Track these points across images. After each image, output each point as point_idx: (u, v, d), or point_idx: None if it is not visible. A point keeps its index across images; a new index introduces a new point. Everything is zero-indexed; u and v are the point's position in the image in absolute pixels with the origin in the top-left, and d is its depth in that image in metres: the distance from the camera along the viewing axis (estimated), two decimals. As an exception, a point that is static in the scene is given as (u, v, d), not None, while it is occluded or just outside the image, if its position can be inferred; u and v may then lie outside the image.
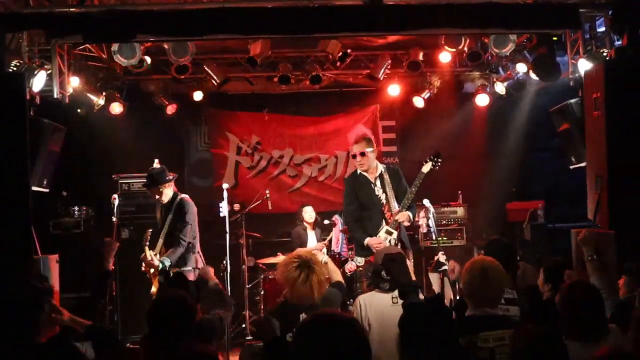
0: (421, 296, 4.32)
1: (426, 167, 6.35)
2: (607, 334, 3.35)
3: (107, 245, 4.52)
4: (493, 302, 3.39)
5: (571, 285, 3.65)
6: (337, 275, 4.89)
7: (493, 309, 3.39)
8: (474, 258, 3.61)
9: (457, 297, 4.88)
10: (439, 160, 6.37)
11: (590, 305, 3.39)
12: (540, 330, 2.77)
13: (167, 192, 6.66)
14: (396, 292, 4.32)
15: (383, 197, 6.24)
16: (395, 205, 6.18)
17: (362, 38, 8.01)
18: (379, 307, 4.32)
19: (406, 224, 6.21)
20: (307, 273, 4.01)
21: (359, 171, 6.33)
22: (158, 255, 6.51)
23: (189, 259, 6.68)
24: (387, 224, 6.17)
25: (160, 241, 6.55)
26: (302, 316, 3.96)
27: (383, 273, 4.42)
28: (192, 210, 6.67)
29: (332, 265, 4.93)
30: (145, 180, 6.87)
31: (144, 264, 6.50)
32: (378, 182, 6.28)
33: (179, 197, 6.72)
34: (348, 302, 8.63)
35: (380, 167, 6.35)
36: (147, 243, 6.47)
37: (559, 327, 3.40)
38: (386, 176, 6.28)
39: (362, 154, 6.22)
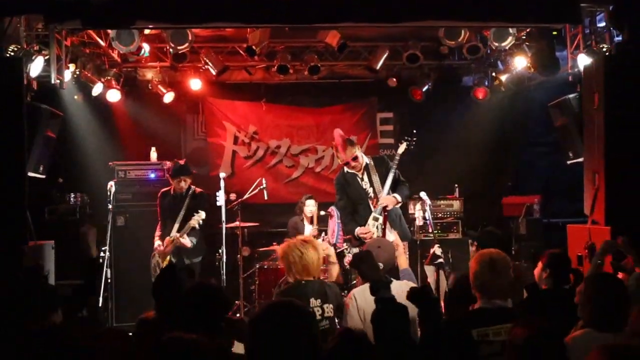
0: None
1: (401, 148, 6.48)
2: (624, 327, 3.34)
3: (84, 234, 4.55)
4: (503, 294, 3.38)
5: (597, 275, 3.71)
6: (335, 269, 5.00)
7: (504, 301, 3.38)
8: (480, 251, 3.58)
9: (448, 289, 4.88)
10: (414, 140, 6.50)
11: (616, 296, 3.39)
12: (539, 326, 2.75)
13: (185, 184, 7.15)
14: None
15: (370, 189, 6.32)
16: (384, 193, 6.25)
17: (362, 29, 7.99)
18: (372, 299, 4.31)
19: (390, 207, 6.20)
20: (304, 245, 4.38)
21: (345, 169, 6.44)
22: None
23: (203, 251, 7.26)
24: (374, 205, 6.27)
25: (176, 226, 6.96)
26: (312, 301, 4.32)
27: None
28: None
29: (333, 258, 5.08)
30: (176, 168, 7.24)
31: (164, 244, 7.01)
32: (365, 176, 6.37)
33: (192, 188, 7.21)
34: (343, 294, 8.67)
35: (365, 160, 6.42)
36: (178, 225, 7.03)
37: (560, 320, 3.43)
38: (371, 167, 6.37)
39: (355, 158, 6.31)
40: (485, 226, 8.87)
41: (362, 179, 6.37)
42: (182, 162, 7.43)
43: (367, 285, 4.42)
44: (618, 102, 5.55)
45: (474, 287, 3.41)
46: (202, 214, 7.02)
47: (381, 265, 4.47)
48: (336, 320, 4.49)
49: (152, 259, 7.24)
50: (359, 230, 6.16)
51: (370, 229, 6.14)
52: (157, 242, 7.19)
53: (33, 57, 5.82)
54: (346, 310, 4.35)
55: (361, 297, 4.29)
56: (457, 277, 4.91)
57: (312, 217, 8.51)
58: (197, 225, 7.01)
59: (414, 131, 6.58)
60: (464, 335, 3.20)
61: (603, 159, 5.63)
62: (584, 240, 5.82)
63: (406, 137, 6.53)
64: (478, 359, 3.18)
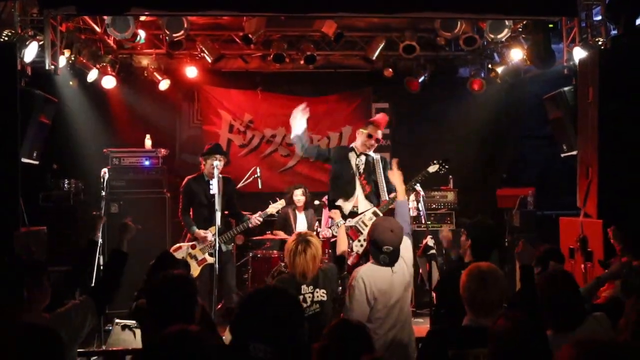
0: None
1: (431, 168, 6.62)
2: (583, 323, 3.33)
3: (96, 218, 4.52)
4: (490, 311, 3.16)
5: (547, 273, 3.69)
6: (344, 244, 5.13)
7: (489, 320, 3.10)
8: (472, 264, 3.40)
9: (440, 278, 4.88)
10: (446, 167, 6.68)
11: (564, 293, 3.37)
12: (521, 319, 2.74)
13: (220, 164, 6.75)
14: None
15: (369, 178, 6.52)
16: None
17: (358, 19, 7.97)
18: (382, 280, 4.34)
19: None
20: (304, 246, 4.41)
21: (354, 145, 6.62)
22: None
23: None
24: (377, 206, 6.34)
25: (218, 213, 6.33)
26: (303, 287, 4.42)
27: (385, 248, 4.32)
28: None
29: (342, 233, 5.28)
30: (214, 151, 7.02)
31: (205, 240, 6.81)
32: (364, 163, 6.55)
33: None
34: (344, 275, 8.68)
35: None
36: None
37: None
38: (377, 162, 6.53)
39: (378, 140, 6.56)
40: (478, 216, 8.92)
41: (361, 161, 6.52)
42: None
43: (371, 266, 4.44)
44: (612, 95, 5.56)
45: (464, 300, 3.26)
46: (283, 202, 7.21)
47: (390, 247, 4.34)
48: (330, 303, 4.53)
49: (177, 253, 6.72)
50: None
51: (366, 221, 6.26)
52: (205, 233, 6.81)
53: (27, 43, 5.79)
54: (351, 293, 4.32)
55: (369, 277, 4.32)
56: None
57: (302, 206, 8.55)
58: (275, 212, 7.18)
59: (448, 159, 6.70)
60: (439, 355, 3.10)
61: (596, 152, 5.65)
62: (576, 233, 5.86)
63: (440, 161, 6.63)
64: None
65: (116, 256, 3.84)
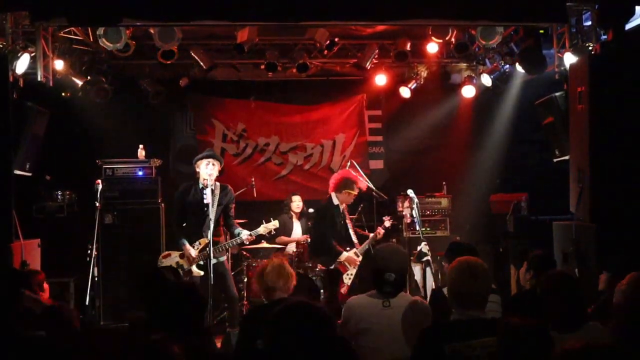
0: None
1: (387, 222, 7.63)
2: (582, 327, 3.33)
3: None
4: (480, 303, 3.22)
5: (550, 274, 3.67)
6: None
7: (479, 312, 3.22)
8: (457, 259, 3.43)
9: (434, 288, 4.87)
10: (388, 227, 7.67)
11: (567, 295, 3.38)
12: (527, 323, 2.75)
13: (214, 170, 6.75)
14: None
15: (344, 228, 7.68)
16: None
17: (350, 27, 7.99)
18: (371, 312, 3.92)
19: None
20: (278, 269, 4.06)
21: (336, 202, 7.61)
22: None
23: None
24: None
25: (211, 224, 6.26)
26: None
27: (387, 276, 3.90)
28: None
29: None
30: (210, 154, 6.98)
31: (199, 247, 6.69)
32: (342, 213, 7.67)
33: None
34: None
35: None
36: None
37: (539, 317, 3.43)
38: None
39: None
40: (474, 224, 8.95)
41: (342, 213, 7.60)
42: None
43: (364, 297, 4.05)
44: (603, 100, 5.59)
45: (451, 296, 3.28)
46: (276, 223, 6.98)
47: (393, 275, 3.91)
48: None
49: (165, 260, 6.72)
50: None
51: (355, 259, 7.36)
52: (193, 251, 6.64)
53: (19, 54, 5.80)
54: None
55: (360, 310, 3.96)
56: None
57: (299, 213, 8.62)
58: (266, 234, 7.04)
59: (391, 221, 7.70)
60: (435, 351, 3.06)
61: (588, 157, 5.66)
62: (570, 238, 5.87)
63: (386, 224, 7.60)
64: None
65: None
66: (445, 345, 3.05)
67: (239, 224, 8.26)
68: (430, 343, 3.13)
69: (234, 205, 6.93)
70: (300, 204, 8.63)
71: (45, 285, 5.23)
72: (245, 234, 6.75)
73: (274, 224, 6.95)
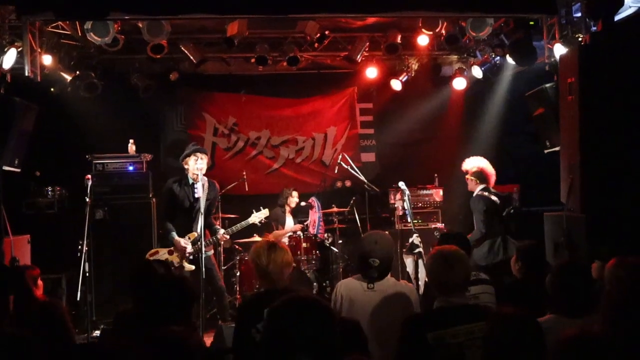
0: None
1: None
2: (592, 312, 3.34)
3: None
4: (459, 289, 3.29)
5: (563, 264, 3.73)
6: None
7: (460, 298, 3.29)
8: (435, 248, 3.52)
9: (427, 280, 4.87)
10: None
11: (581, 282, 3.44)
12: (517, 313, 2.78)
13: (203, 164, 6.70)
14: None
15: None
16: None
17: (340, 20, 7.95)
18: (354, 293, 4.03)
19: None
20: (272, 252, 3.99)
21: None
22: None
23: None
24: None
25: (201, 219, 6.19)
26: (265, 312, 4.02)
27: (371, 260, 3.97)
28: None
29: None
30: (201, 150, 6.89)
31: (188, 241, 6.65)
32: None
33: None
34: (324, 284, 8.69)
35: None
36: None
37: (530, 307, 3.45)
38: None
39: None
40: (466, 216, 8.93)
41: None
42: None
43: (351, 279, 4.18)
44: (593, 91, 5.59)
45: (433, 283, 3.36)
46: (266, 211, 7.09)
47: (377, 261, 3.98)
48: None
49: (157, 257, 6.64)
50: None
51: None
52: (186, 243, 6.63)
53: (5, 49, 5.74)
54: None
55: (346, 290, 4.06)
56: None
57: (293, 208, 8.66)
58: (258, 223, 7.11)
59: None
60: (418, 340, 3.09)
61: (578, 148, 5.67)
62: (561, 228, 5.89)
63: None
64: None
65: None
66: (428, 333, 3.10)
67: (230, 217, 8.28)
68: (413, 332, 3.18)
69: (217, 202, 7.04)
70: (297, 200, 8.74)
71: (40, 282, 5.21)
72: (221, 232, 6.86)
73: (264, 212, 7.10)
